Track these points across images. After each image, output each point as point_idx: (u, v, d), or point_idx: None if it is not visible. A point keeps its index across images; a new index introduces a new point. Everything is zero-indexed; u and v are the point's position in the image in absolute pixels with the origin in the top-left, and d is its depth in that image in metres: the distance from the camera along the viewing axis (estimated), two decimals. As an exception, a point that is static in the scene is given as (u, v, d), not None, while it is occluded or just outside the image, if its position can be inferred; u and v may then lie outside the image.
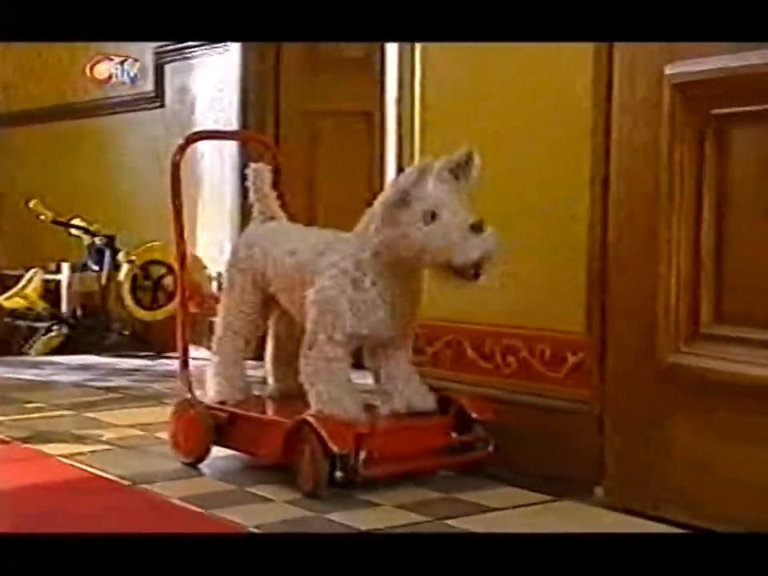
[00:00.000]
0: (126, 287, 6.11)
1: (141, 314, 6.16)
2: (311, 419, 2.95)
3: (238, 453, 3.40)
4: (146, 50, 6.45)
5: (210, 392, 3.40)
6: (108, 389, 4.96)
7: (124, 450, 3.69)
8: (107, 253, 6.24)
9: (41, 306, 6.29)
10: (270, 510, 2.96)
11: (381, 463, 2.96)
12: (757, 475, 2.67)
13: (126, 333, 6.34)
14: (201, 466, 3.36)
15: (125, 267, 6.13)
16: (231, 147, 5.88)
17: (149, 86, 6.48)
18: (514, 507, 2.98)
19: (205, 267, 6.05)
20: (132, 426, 4.06)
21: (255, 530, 2.75)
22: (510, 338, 3.22)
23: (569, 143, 3.16)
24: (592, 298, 3.05)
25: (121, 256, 6.19)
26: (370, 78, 5.24)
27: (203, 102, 6.12)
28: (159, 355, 6.00)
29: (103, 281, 6.25)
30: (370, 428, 3.00)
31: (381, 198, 2.97)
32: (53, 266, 6.41)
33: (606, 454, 2.99)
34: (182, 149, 3.60)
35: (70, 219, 6.36)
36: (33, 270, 6.39)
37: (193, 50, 6.15)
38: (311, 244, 3.14)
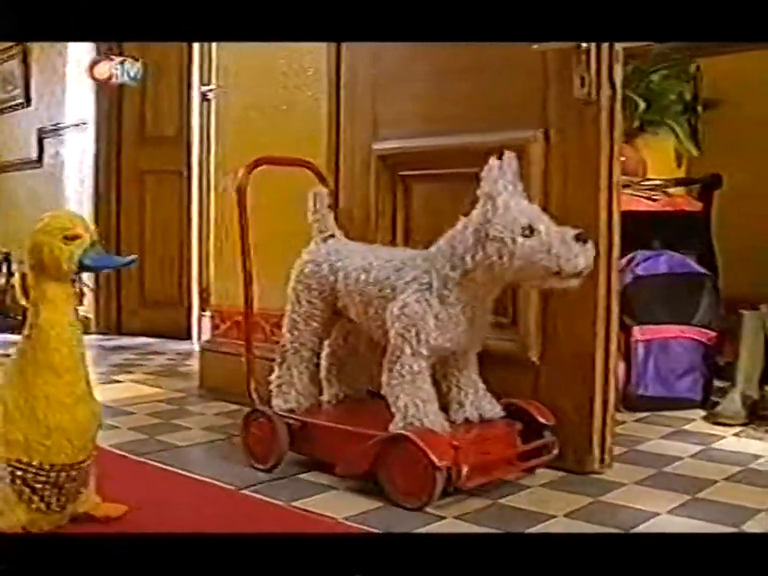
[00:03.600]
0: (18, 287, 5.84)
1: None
2: (411, 435, 2.09)
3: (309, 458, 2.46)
4: (32, 130, 6.15)
5: (277, 400, 2.51)
6: (7, 355, 4.71)
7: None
8: (4, 265, 6.00)
9: (-40, 301, 5.99)
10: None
11: (473, 473, 2.12)
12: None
13: (19, 317, 6.07)
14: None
15: (17, 274, 5.84)
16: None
17: (33, 153, 6.15)
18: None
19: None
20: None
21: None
22: (276, 318, 3.13)
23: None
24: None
25: (14, 266, 5.94)
26: (181, 148, 5.17)
27: (69, 164, 5.87)
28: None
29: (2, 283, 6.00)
30: (462, 441, 2.14)
31: (471, 218, 2.14)
32: (-32, 274, 6.09)
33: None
34: (247, 173, 2.59)
35: (-21, 243, 6.09)
36: (-45, 277, 6.08)
37: (64, 129, 5.88)
38: (386, 261, 2.31)
